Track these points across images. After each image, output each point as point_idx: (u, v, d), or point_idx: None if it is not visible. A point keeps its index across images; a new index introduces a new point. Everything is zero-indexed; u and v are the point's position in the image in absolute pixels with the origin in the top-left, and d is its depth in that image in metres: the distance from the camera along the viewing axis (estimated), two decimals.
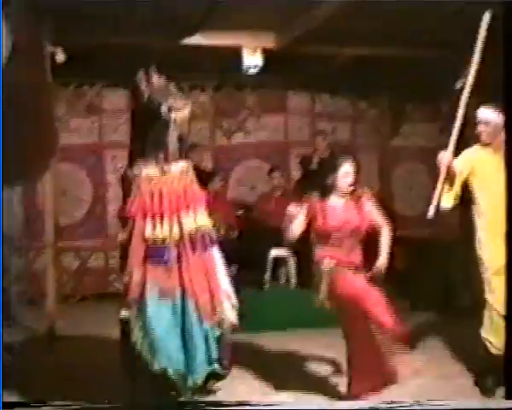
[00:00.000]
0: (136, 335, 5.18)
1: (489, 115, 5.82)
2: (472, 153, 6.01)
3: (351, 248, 5.63)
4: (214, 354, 5.29)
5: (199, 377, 5.23)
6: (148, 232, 5.28)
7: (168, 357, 5.15)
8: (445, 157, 5.77)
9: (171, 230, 5.31)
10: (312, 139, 10.88)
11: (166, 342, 5.18)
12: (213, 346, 5.31)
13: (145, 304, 5.20)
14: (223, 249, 9.03)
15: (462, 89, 5.88)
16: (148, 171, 5.38)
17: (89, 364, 6.79)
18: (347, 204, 5.69)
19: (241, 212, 10.20)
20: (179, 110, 5.40)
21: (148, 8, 7.26)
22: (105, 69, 9.55)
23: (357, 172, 5.78)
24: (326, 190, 5.69)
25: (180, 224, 5.34)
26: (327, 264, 5.57)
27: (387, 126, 12.00)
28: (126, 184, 5.50)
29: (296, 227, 5.67)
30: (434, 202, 5.83)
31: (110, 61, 8.81)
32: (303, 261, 8.16)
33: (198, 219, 5.41)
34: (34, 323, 8.90)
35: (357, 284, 5.47)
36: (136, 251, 5.28)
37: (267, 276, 9.31)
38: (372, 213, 5.75)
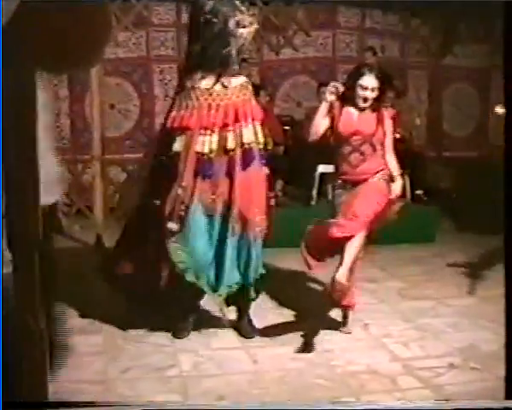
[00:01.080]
0: (177, 245, 5.25)
1: None
2: None
3: (361, 160, 5.38)
4: (253, 269, 5.32)
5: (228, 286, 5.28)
6: (201, 145, 5.24)
7: (201, 268, 5.24)
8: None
9: (222, 143, 5.28)
10: (361, 56, 10.76)
11: (202, 255, 5.25)
12: (258, 260, 5.35)
13: (190, 217, 5.25)
14: (270, 165, 9.08)
15: None
16: (207, 84, 5.31)
17: None
18: (364, 115, 5.40)
19: (288, 128, 10.16)
20: (247, 26, 5.30)
21: None
22: None
23: (400, 95, 5.56)
24: (345, 97, 5.41)
25: (234, 138, 5.30)
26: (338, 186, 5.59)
27: (439, 45, 11.76)
28: (182, 94, 5.39)
29: (317, 123, 5.44)
30: None
31: None
32: None
33: (255, 134, 5.40)
34: (82, 234, 9.05)
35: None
36: (192, 164, 5.25)
37: (314, 192, 9.33)
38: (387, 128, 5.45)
